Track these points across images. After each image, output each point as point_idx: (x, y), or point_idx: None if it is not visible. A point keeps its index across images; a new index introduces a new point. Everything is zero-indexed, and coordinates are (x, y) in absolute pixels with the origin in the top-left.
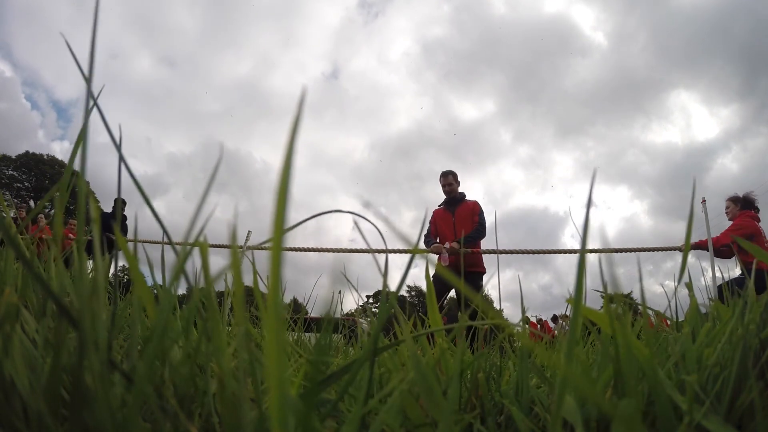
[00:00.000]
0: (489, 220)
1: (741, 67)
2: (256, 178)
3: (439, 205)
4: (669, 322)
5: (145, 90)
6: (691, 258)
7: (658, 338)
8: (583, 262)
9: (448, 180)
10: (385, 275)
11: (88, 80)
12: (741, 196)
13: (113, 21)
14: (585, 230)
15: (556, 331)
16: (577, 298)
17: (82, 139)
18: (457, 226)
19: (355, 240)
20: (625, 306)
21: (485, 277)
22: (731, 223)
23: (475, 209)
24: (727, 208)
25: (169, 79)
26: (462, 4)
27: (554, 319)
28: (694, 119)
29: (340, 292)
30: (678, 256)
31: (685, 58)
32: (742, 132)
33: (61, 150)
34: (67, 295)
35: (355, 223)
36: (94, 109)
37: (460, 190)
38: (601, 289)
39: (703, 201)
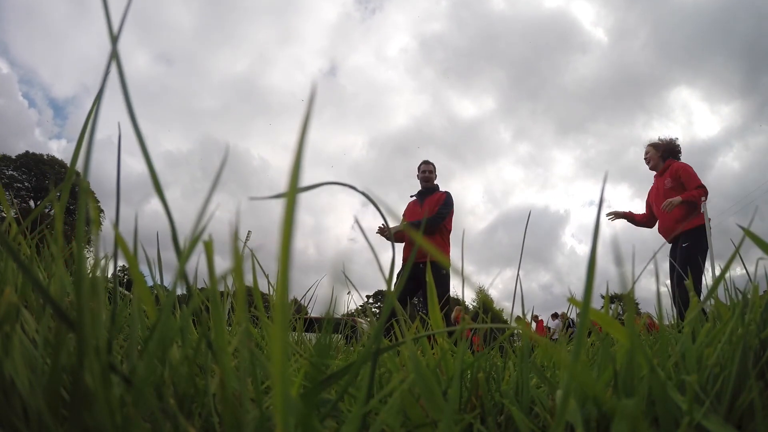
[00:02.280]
0: (488, 219)
1: (743, 64)
2: (254, 176)
3: (411, 196)
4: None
5: (142, 87)
6: None
7: (658, 338)
8: (593, 261)
9: (429, 167)
10: (390, 275)
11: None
12: (665, 140)
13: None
14: (596, 232)
15: (556, 331)
16: (586, 299)
17: (83, 138)
18: (419, 215)
19: (356, 239)
20: (630, 306)
21: (488, 278)
22: (677, 178)
23: (440, 199)
24: (646, 153)
25: (166, 77)
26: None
27: (554, 316)
28: (696, 117)
29: (340, 292)
30: None
31: (687, 54)
32: (743, 130)
33: (58, 148)
34: (68, 295)
35: (356, 221)
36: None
37: (436, 182)
38: (604, 288)
39: (703, 200)
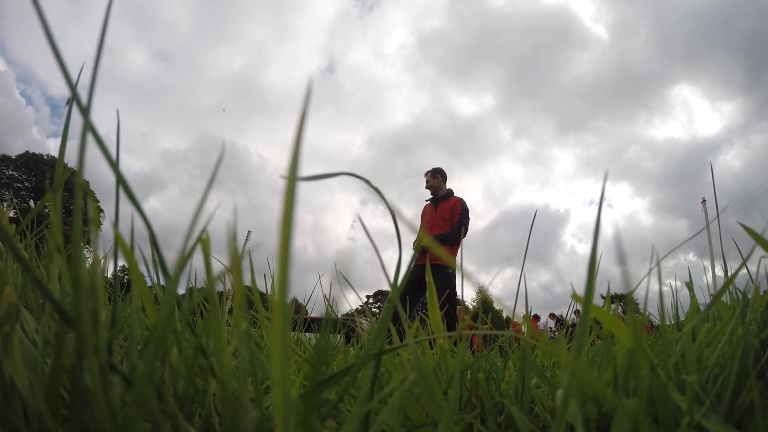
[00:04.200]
0: (488, 218)
1: (744, 61)
2: (252, 174)
3: (426, 200)
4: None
5: (139, 85)
6: (692, 257)
7: (659, 338)
8: (594, 260)
9: (426, 176)
10: (396, 276)
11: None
12: None
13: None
14: (597, 231)
15: (553, 330)
16: (587, 299)
17: (75, 139)
18: (435, 223)
19: (355, 238)
20: (633, 306)
21: (486, 277)
22: None
23: (456, 208)
24: None
25: (163, 74)
26: None
27: (536, 318)
28: (697, 114)
29: (339, 292)
30: (680, 256)
31: (688, 51)
32: (744, 127)
33: (55, 147)
34: (68, 295)
35: (360, 220)
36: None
37: (450, 187)
38: (605, 287)
39: (703, 201)
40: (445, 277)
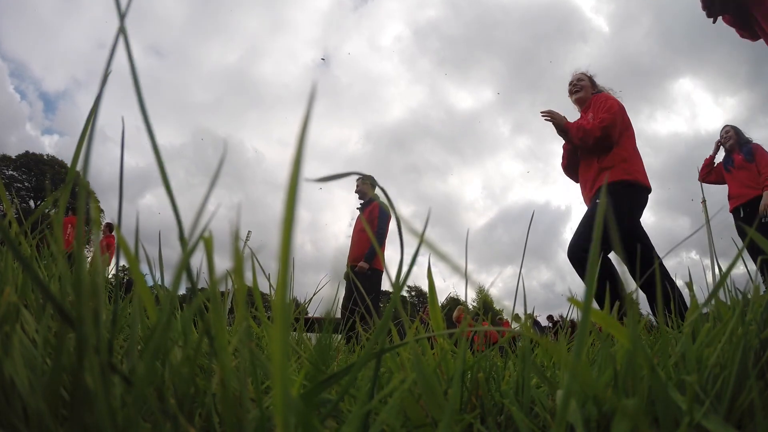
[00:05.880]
0: (488, 216)
1: (748, 54)
2: (248, 168)
3: (357, 208)
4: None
5: (132, 79)
6: (694, 255)
7: (659, 338)
8: (594, 260)
9: (357, 182)
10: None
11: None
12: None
13: (98, 9)
14: (597, 233)
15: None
16: (587, 299)
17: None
18: (356, 229)
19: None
20: (633, 306)
21: (492, 279)
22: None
23: (373, 213)
24: (580, 81)
25: (157, 69)
26: None
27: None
28: (700, 109)
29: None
30: (682, 253)
31: (691, 43)
32: (748, 122)
33: (50, 143)
34: (69, 295)
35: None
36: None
37: (377, 191)
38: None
39: (703, 201)
40: (363, 278)
